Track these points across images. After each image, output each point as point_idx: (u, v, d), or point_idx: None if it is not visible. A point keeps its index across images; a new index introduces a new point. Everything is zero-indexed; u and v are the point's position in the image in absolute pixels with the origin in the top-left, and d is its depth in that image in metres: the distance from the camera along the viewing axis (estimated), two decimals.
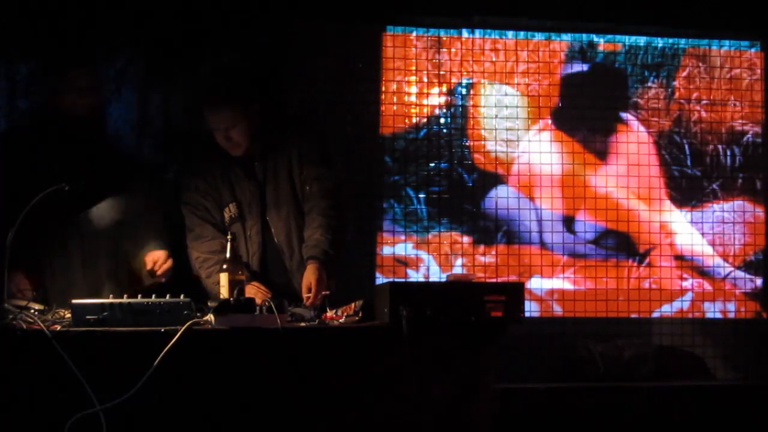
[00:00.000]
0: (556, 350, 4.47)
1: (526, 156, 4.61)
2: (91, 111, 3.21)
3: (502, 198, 4.58)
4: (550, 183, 4.62)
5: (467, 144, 4.57)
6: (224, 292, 2.89)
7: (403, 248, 4.49)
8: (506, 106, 4.62)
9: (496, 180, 4.59)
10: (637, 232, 4.66)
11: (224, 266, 2.95)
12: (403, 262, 4.49)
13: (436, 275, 4.47)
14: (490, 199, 4.58)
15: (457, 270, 4.48)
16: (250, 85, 3.34)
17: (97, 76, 3.33)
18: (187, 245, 3.31)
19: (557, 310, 4.58)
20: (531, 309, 4.50)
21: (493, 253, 4.55)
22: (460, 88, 4.58)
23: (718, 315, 4.69)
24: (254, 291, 3.09)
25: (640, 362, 4.41)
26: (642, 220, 4.67)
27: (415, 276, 4.47)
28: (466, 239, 4.54)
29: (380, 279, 4.41)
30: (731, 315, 4.70)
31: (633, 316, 4.62)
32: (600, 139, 4.67)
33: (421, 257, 4.51)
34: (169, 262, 3.22)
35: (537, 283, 4.56)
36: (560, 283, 4.59)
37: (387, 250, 4.48)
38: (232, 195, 3.30)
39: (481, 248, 4.55)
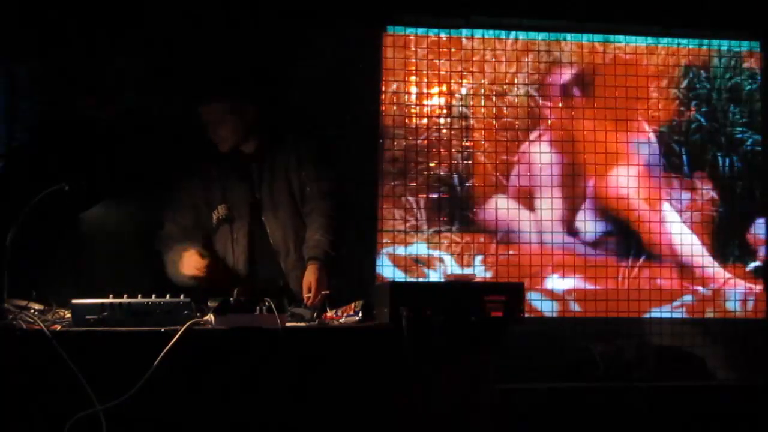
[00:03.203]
0: (556, 350, 4.46)
1: (526, 157, 4.61)
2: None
3: (503, 199, 4.58)
4: (550, 184, 4.61)
5: (467, 145, 4.57)
6: None
7: (404, 250, 4.49)
8: (507, 107, 4.62)
9: (496, 182, 4.58)
10: (638, 233, 4.66)
11: None
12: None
13: (437, 277, 4.47)
14: (490, 201, 4.57)
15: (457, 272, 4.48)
16: (245, 84, 3.36)
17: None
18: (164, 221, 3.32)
19: (558, 310, 4.58)
20: (532, 309, 4.51)
21: (493, 255, 4.55)
22: (460, 89, 4.58)
23: (718, 315, 4.69)
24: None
25: (640, 362, 4.41)
26: (642, 221, 4.67)
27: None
28: (465, 242, 4.53)
29: (380, 281, 4.41)
30: (731, 315, 4.70)
31: (633, 316, 4.62)
32: (600, 142, 4.67)
33: (422, 259, 4.51)
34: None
35: (538, 284, 4.56)
36: (560, 283, 4.59)
37: (387, 252, 4.48)
38: (223, 196, 3.31)
39: (482, 251, 4.54)
